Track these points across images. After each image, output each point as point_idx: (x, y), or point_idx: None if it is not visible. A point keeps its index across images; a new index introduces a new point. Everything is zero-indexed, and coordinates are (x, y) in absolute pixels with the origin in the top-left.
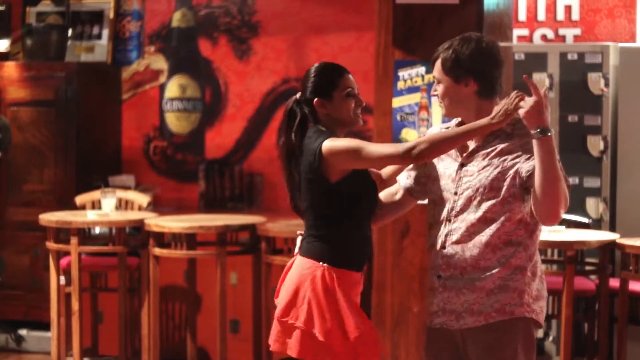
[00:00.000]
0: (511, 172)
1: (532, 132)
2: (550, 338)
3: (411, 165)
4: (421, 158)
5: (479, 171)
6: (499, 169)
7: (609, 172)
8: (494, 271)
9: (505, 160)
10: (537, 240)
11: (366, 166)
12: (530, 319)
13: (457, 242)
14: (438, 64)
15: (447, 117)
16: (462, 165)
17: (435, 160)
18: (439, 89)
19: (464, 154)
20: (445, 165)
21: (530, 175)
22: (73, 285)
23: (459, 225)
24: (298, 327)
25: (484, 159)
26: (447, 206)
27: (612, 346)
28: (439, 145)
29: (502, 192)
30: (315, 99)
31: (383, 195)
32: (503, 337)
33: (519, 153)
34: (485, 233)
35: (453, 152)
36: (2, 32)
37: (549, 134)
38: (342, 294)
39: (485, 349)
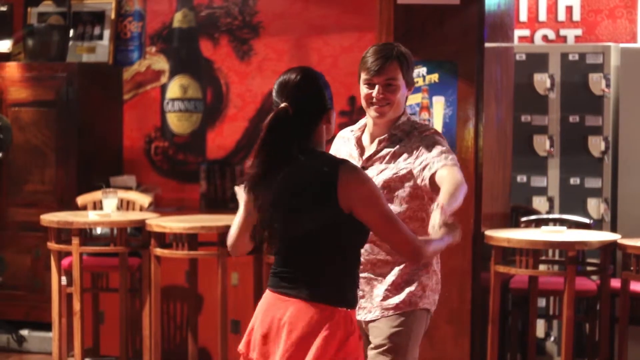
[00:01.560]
0: (405, 173)
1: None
2: (552, 338)
3: None
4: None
5: (378, 174)
6: (394, 171)
7: (610, 172)
8: (401, 267)
9: (398, 162)
10: None
11: None
12: (428, 310)
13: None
14: (395, 65)
15: (381, 119)
16: (363, 168)
17: None
18: (395, 89)
19: (364, 158)
20: None
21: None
22: (74, 286)
23: None
24: None
25: (380, 162)
26: None
27: (614, 347)
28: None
29: (399, 193)
30: None
31: None
32: (406, 325)
33: (409, 155)
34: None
35: (356, 154)
36: (3, 32)
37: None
38: None
39: (389, 335)
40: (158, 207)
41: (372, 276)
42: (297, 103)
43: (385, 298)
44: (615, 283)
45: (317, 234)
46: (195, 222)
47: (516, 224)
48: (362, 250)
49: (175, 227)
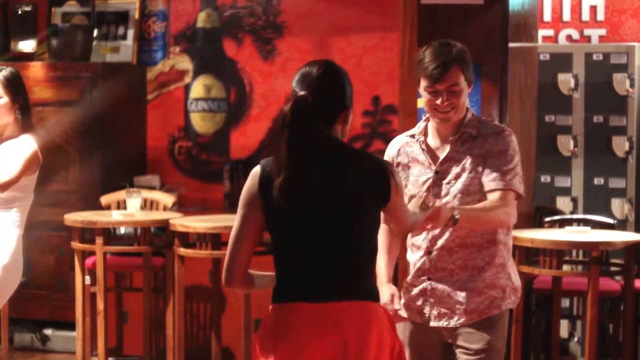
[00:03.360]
0: (476, 176)
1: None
2: (575, 339)
3: None
4: None
5: (455, 178)
6: (472, 174)
7: (634, 172)
8: (481, 271)
9: (477, 164)
10: (511, 235)
11: None
12: (511, 309)
13: (443, 247)
14: (457, 68)
15: (447, 124)
16: (436, 172)
17: (404, 168)
18: (459, 93)
19: (437, 162)
20: (417, 172)
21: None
22: (98, 285)
23: (443, 230)
24: None
25: (457, 165)
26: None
27: (637, 347)
28: None
29: (479, 196)
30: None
31: None
32: (495, 328)
33: (485, 157)
34: (469, 235)
35: (425, 158)
36: (28, 32)
37: (457, 219)
38: None
39: (479, 342)
40: (182, 206)
41: (448, 283)
42: (317, 94)
43: (469, 304)
44: (639, 283)
45: (369, 233)
46: (219, 221)
47: (540, 224)
48: (432, 256)
49: (199, 226)
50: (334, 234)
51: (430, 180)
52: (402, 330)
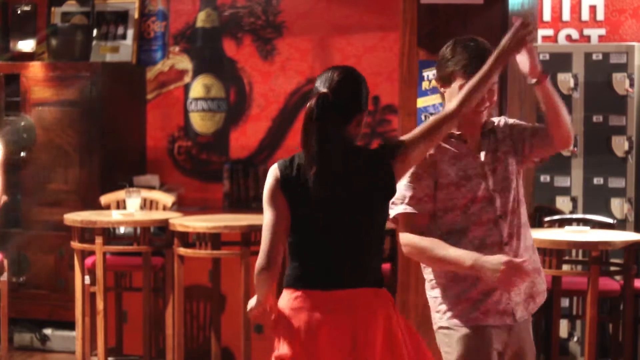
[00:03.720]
0: (510, 158)
1: (534, 81)
2: (575, 339)
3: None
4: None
5: (504, 161)
6: (509, 156)
7: (633, 172)
8: (535, 250)
9: (512, 144)
10: None
11: None
12: None
13: (517, 235)
14: None
15: (481, 120)
16: (485, 163)
17: (445, 165)
18: (495, 91)
19: (481, 153)
20: (464, 167)
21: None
22: (98, 285)
23: (511, 218)
24: None
25: (498, 152)
26: (490, 205)
27: (637, 347)
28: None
29: (515, 177)
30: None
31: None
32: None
33: (512, 130)
34: (523, 215)
35: (468, 152)
36: (27, 32)
37: (545, 79)
38: None
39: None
40: (181, 206)
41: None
42: (336, 95)
43: (544, 283)
44: (639, 283)
45: (382, 222)
46: (219, 221)
47: (539, 224)
48: (509, 247)
49: (199, 226)
50: (354, 225)
51: (485, 169)
52: (482, 339)
